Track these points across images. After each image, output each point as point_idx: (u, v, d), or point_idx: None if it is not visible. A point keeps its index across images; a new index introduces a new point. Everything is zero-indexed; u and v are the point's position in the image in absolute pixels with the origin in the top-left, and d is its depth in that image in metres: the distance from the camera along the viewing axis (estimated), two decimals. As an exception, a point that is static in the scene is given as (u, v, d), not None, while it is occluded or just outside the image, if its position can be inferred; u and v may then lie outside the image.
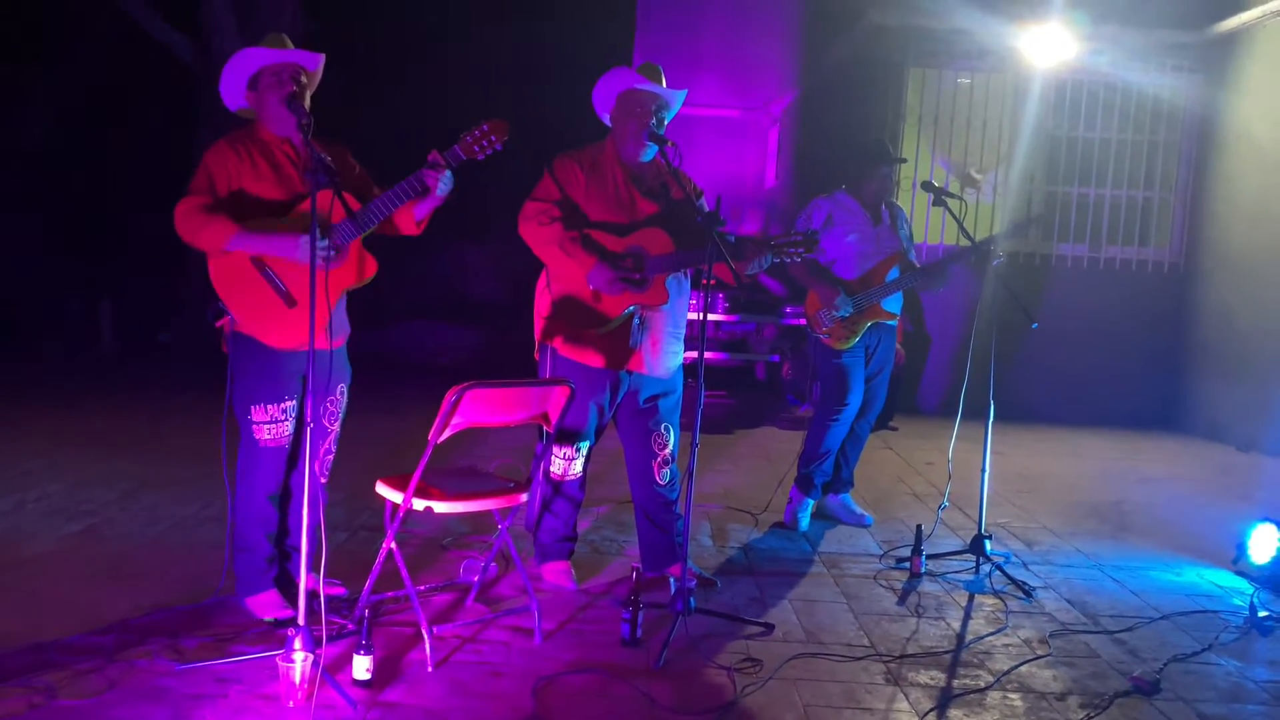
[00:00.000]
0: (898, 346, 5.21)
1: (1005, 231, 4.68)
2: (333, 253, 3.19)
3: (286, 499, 3.48)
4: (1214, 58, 8.41)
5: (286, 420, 3.37)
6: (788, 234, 3.87)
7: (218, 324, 3.33)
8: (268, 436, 3.34)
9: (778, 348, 9.15)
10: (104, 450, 5.82)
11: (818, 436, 4.91)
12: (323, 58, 3.39)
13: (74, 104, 13.10)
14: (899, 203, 5.17)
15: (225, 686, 2.93)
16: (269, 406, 3.33)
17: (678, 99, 3.85)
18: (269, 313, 3.28)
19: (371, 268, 3.40)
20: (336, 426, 3.55)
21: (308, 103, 3.31)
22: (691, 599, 3.47)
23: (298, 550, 3.47)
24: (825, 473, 4.98)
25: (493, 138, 3.26)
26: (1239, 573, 4.47)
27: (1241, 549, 4.48)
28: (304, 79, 3.32)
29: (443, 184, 3.29)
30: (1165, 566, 4.59)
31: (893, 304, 4.87)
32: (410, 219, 3.42)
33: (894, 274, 4.80)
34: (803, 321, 4.92)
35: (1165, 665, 3.43)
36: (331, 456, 3.56)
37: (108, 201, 13.40)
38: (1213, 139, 8.53)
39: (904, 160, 5.02)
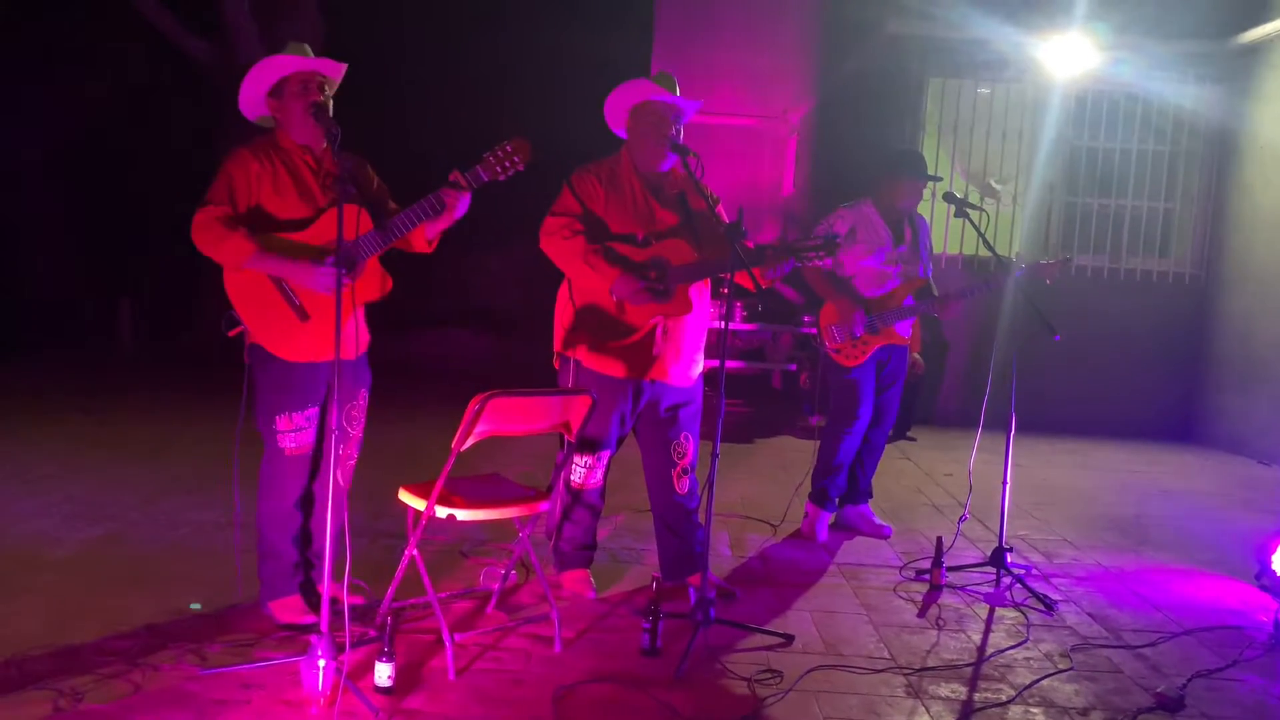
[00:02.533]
0: (916, 357, 5.19)
1: (1031, 267, 4.65)
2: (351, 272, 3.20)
3: (309, 505, 3.50)
4: (1237, 68, 8.37)
5: (310, 427, 3.39)
6: (807, 237, 3.86)
7: (231, 334, 3.34)
8: (292, 445, 3.36)
9: (794, 357, 9.14)
10: (125, 454, 5.86)
11: (830, 450, 4.89)
12: (345, 66, 3.40)
13: (97, 108, 13.23)
14: (922, 215, 5.11)
15: (249, 692, 2.95)
16: (293, 415, 3.35)
17: (692, 108, 3.86)
18: (281, 326, 3.29)
19: (389, 283, 3.41)
20: (359, 432, 3.56)
21: (330, 112, 3.32)
22: (711, 609, 3.47)
23: (320, 557, 3.49)
24: (840, 486, 4.96)
25: (515, 158, 3.24)
26: (1263, 588, 4.43)
27: (1265, 564, 4.44)
28: (328, 89, 3.34)
29: (460, 206, 3.29)
30: (1187, 581, 4.56)
31: (905, 326, 4.85)
32: (423, 237, 3.42)
33: (911, 300, 4.77)
34: (815, 332, 4.90)
35: (1189, 681, 3.40)
36: (353, 462, 3.58)
37: (128, 204, 13.52)
38: (1234, 150, 8.48)
39: (938, 179, 4.91)
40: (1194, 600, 4.30)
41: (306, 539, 3.52)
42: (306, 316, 3.29)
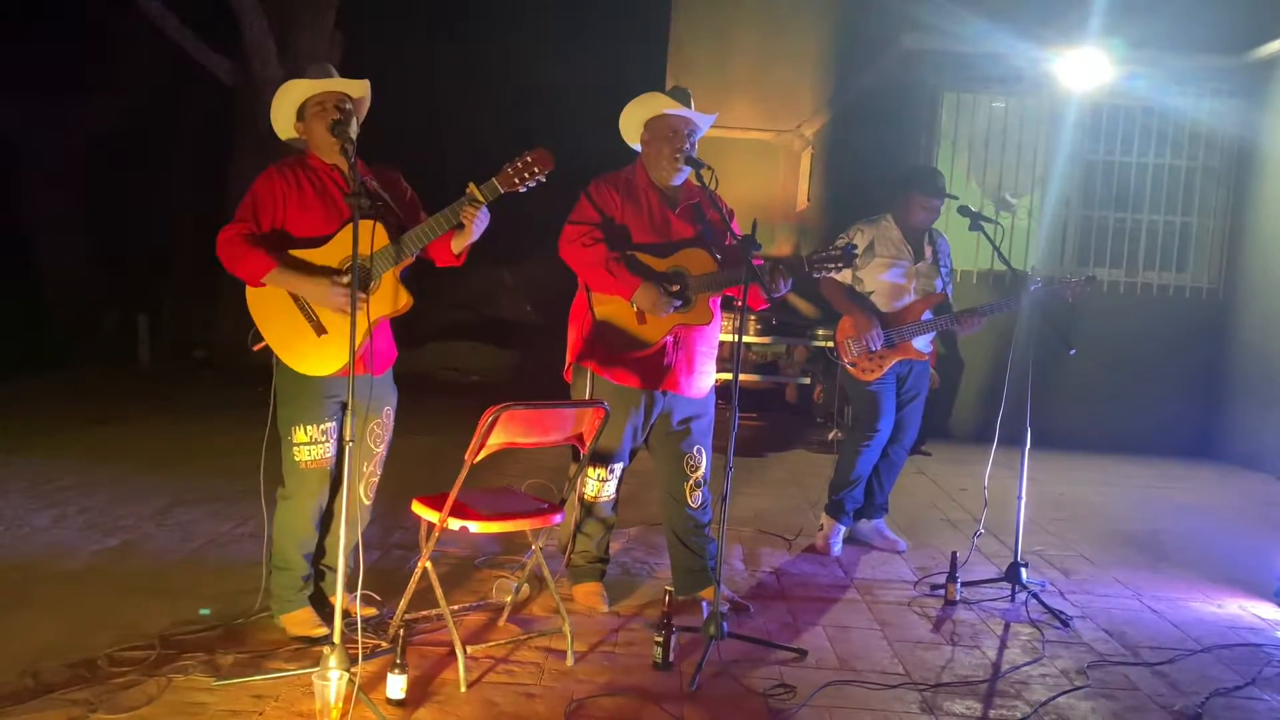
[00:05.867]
0: (933, 371, 5.17)
1: (1057, 283, 4.62)
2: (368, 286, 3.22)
3: (327, 519, 3.51)
4: (1254, 82, 8.34)
5: (328, 441, 3.40)
6: (824, 248, 3.85)
7: (255, 348, 3.37)
8: (309, 458, 3.37)
9: (808, 370, 9.12)
10: (140, 466, 5.89)
11: (848, 462, 4.87)
12: (368, 84, 3.43)
13: (117, 125, 13.36)
14: (940, 231, 5.08)
15: (261, 703, 2.95)
16: (309, 428, 3.36)
17: (707, 121, 3.87)
18: (299, 341, 3.32)
19: (406, 300, 3.39)
20: (382, 450, 3.58)
21: (355, 129, 3.34)
22: (724, 623, 3.45)
23: (332, 569, 3.50)
24: (856, 499, 4.93)
25: (536, 169, 3.23)
26: (1282, 605, 4.39)
27: (1284, 581, 4.40)
28: (349, 105, 3.37)
29: (478, 221, 3.30)
30: (1205, 597, 4.52)
31: (924, 342, 4.83)
32: (448, 251, 3.42)
33: (929, 315, 4.76)
34: (831, 346, 4.89)
35: (1207, 699, 3.36)
36: (376, 479, 3.59)
37: (147, 219, 13.65)
38: (1252, 164, 8.44)
39: (954, 197, 4.88)
40: (1212, 617, 4.26)
41: (320, 552, 3.54)
42: (324, 331, 3.31)
